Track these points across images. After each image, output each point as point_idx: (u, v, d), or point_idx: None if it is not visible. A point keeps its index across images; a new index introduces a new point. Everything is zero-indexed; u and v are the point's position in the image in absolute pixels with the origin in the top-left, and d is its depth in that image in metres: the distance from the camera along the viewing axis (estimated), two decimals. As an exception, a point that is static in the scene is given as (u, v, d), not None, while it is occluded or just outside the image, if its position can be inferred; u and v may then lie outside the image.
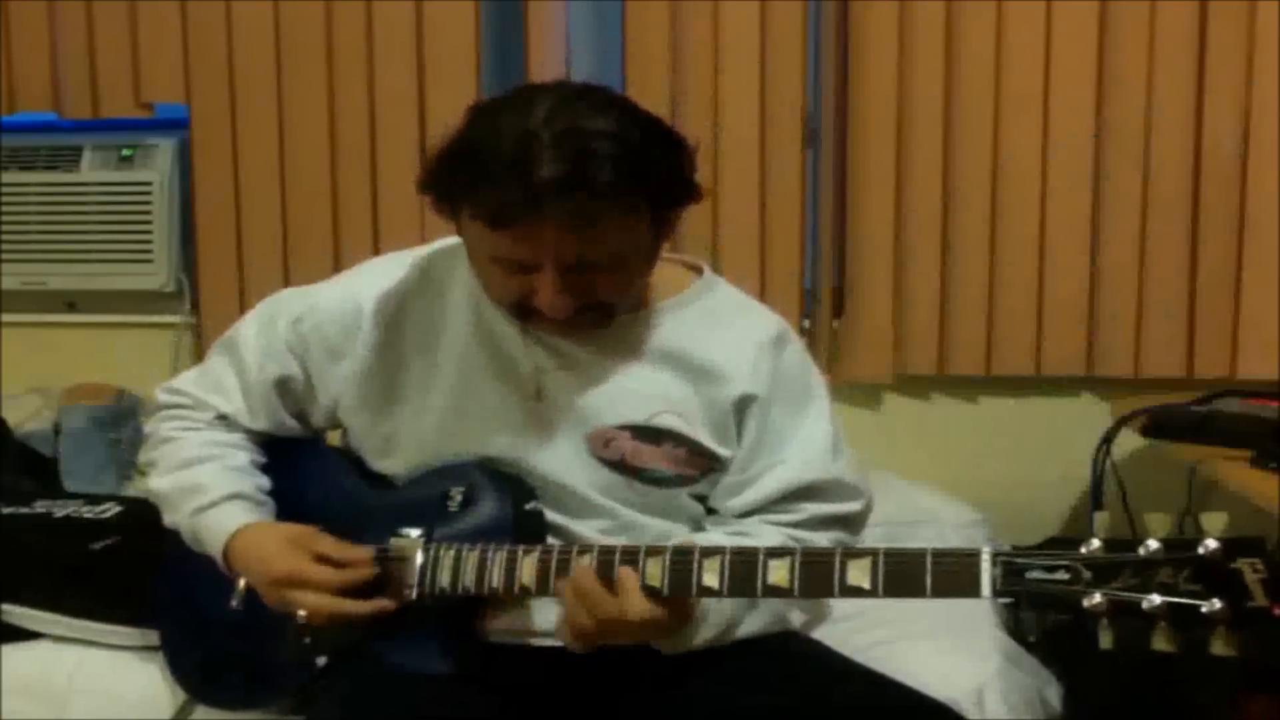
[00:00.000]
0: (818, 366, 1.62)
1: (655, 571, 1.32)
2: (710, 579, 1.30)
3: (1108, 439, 2.26)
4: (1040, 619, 2.17)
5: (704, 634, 1.42)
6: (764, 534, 1.48)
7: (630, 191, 1.33)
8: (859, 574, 1.24)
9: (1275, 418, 2.07)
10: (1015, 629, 2.13)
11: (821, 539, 1.50)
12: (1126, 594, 1.11)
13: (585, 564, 1.34)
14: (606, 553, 1.36)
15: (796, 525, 1.50)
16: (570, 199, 1.29)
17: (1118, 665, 1.99)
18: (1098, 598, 1.12)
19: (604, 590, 1.32)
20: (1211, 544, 1.09)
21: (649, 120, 1.39)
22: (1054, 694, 1.93)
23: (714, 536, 1.48)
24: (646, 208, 1.37)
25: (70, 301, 2.98)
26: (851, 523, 1.55)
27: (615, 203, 1.33)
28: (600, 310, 1.43)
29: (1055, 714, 1.91)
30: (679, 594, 1.33)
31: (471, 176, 1.33)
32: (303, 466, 1.65)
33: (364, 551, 1.48)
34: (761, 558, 1.28)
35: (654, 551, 1.34)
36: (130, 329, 2.94)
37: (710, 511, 1.56)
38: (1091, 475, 2.28)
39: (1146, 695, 2.03)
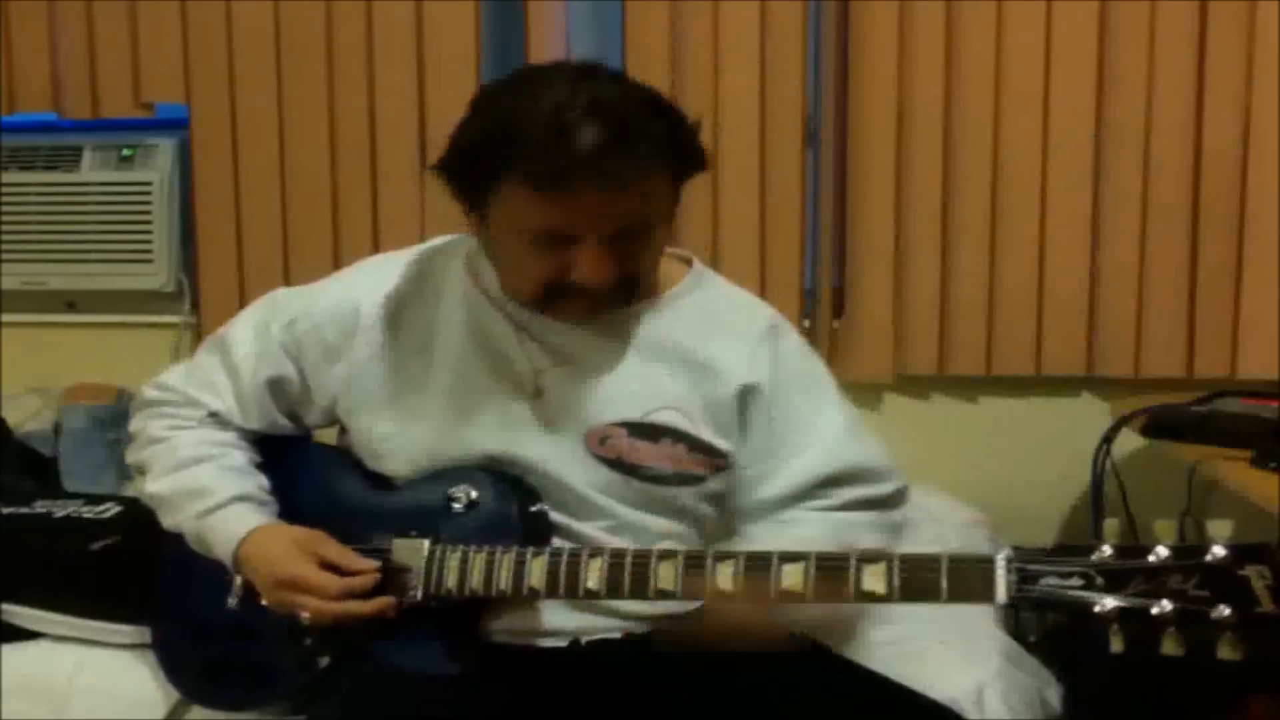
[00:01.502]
0: (817, 361, 1.63)
1: (668, 575, 1.33)
2: (724, 583, 1.31)
3: (1108, 439, 2.26)
4: (1040, 619, 2.17)
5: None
6: (807, 522, 1.48)
7: (666, 154, 1.37)
8: (874, 579, 1.24)
9: (1275, 418, 2.07)
10: (1015, 629, 2.13)
11: (862, 521, 1.51)
12: (1137, 600, 1.13)
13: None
14: (617, 555, 1.36)
15: (834, 510, 1.50)
16: (616, 161, 1.32)
17: (1119, 666, 1.99)
18: (1109, 603, 1.13)
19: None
20: (1220, 551, 1.11)
21: (657, 92, 1.43)
22: (1054, 694, 1.93)
23: (758, 533, 1.49)
24: (672, 172, 1.40)
25: (70, 301, 2.98)
26: (888, 504, 1.56)
27: (653, 164, 1.36)
28: (626, 288, 1.44)
29: (1055, 714, 1.91)
30: (691, 597, 1.33)
31: (516, 144, 1.34)
32: (301, 468, 1.65)
33: (370, 563, 1.47)
34: (775, 562, 1.29)
35: (666, 556, 1.34)
36: (130, 329, 2.93)
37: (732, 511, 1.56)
38: (1091, 475, 2.28)
39: (1147, 695, 2.03)
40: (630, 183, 1.35)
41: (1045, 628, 2.16)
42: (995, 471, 2.66)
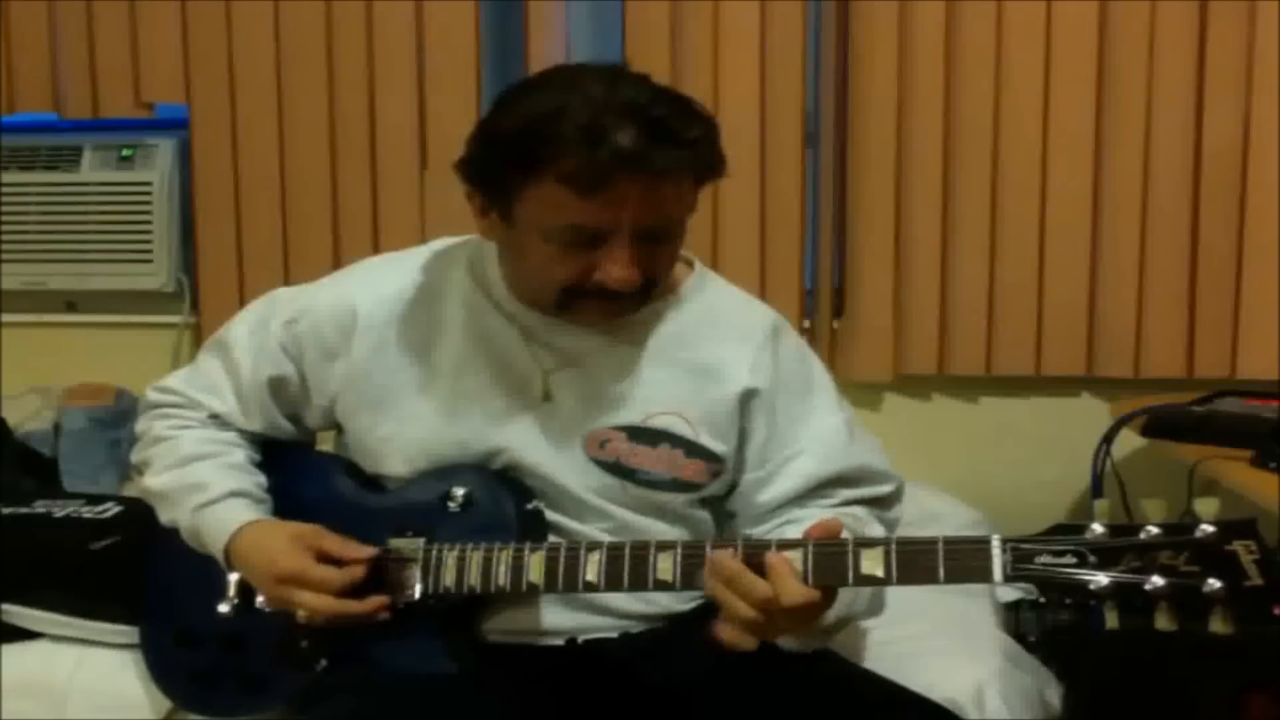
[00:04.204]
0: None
1: (667, 566, 1.33)
2: None
3: (1108, 439, 2.25)
4: (1040, 619, 2.18)
5: (827, 621, 1.37)
6: (808, 518, 1.44)
7: (698, 156, 1.38)
8: (872, 562, 1.25)
9: (1275, 418, 2.07)
10: (1015, 629, 2.13)
11: (862, 515, 1.50)
12: (1130, 576, 1.15)
13: (725, 554, 1.30)
14: (616, 548, 1.37)
15: (835, 509, 1.49)
16: (653, 159, 1.33)
17: (1118, 665, 1.99)
18: (1103, 580, 1.16)
19: (753, 575, 1.26)
20: (1208, 528, 1.14)
21: (685, 95, 1.43)
22: (1054, 694, 1.93)
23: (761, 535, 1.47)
24: (694, 175, 1.40)
25: (70, 301, 2.98)
26: (886, 504, 1.56)
27: (686, 165, 1.37)
28: (644, 290, 1.44)
29: (1055, 714, 1.91)
30: (690, 587, 1.34)
31: (553, 144, 1.33)
32: (298, 470, 1.64)
33: (369, 549, 1.48)
34: (773, 549, 1.29)
35: (664, 547, 1.35)
36: (130, 329, 2.94)
37: (732, 517, 1.56)
38: (1092, 475, 2.27)
39: (1148, 695, 2.03)
40: (666, 181, 1.36)
41: (1045, 628, 2.16)
42: (995, 471, 2.66)
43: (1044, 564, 1.18)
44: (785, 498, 1.51)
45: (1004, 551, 1.20)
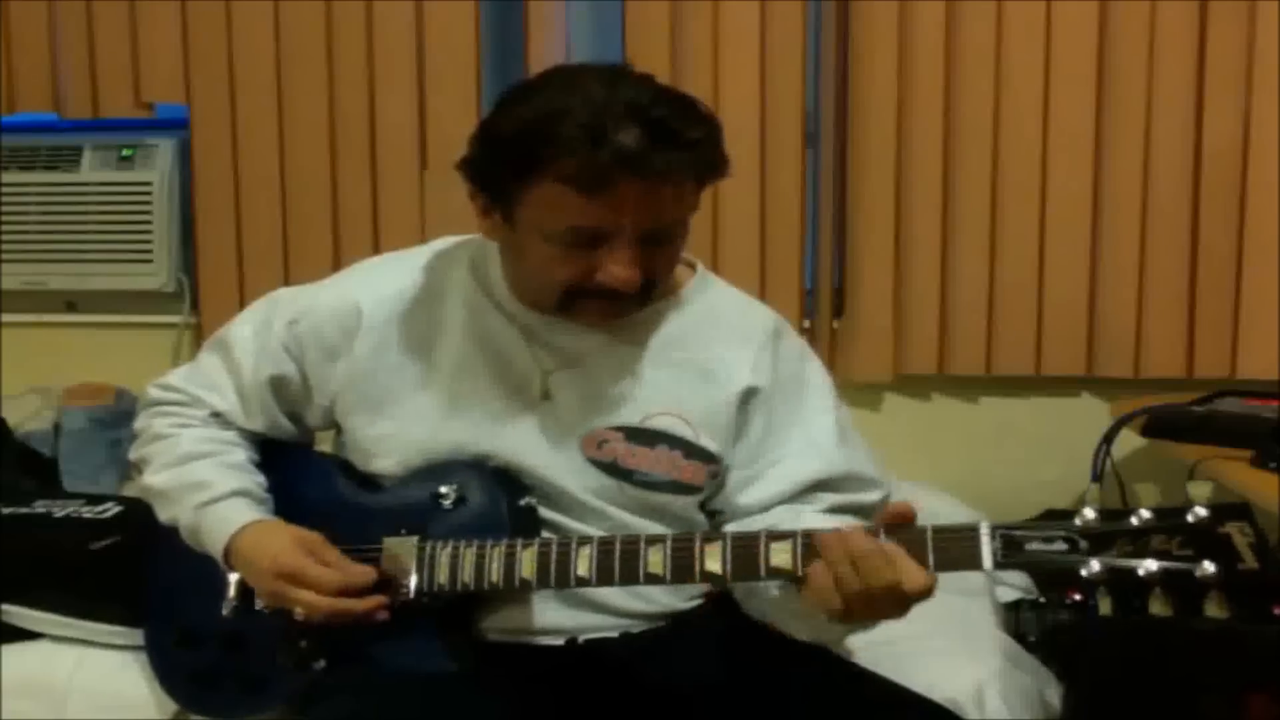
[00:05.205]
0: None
1: (657, 559, 1.34)
2: (713, 564, 1.31)
3: (1108, 439, 2.25)
4: (1040, 619, 2.17)
5: None
6: (791, 522, 1.45)
7: (700, 157, 1.37)
8: None
9: (1275, 418, 2.07)
10: (1015, 629, 2.13)
11: (856, 524, 1.49)
12: (1123, 561, 1.14)
13: (858, 529, 1.26)
14: (606, 542, 1.37)
15: (819, 513, 1.49)
16: (656, 160, 1.32)
17: (1118, 664, 1.99)
18: (1095, 566, 1.15)
19: (883, 556, 1.23)
20: (1201, 511, 1.14)
21: (688, 94, 1.42)
22: (1054, 694, 1.93)
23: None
24: (696, 176, 1.40)
25: (70, 301, 2.99)
26: (871, 513, 1.54)
27: (689, 166, 1.36)
28: (645, 290, 1.44)
29: (1055, 714, 1.91)
30: (680, 580, 1.34)
31: (555, 144, 1.33)
32: (293, 470, 1.64)
33: (368, 570, 1.47)
34: (764, 540, 1.29)
35: (654, 541, 1.35)
36: (130, 329, 2.94)
37: (714, 515, 1.56)
38: (1092, 475, 2.27)
39: (1148, 695, 2.03)
40: (667, 183, 1.36)
41: (1045, 628, 2.16)
42: (995, 471, 2.66)
43: (1035, 550, 1.17)
44: (772, 498, 1.50)
45: (993, 539, 1.19)
